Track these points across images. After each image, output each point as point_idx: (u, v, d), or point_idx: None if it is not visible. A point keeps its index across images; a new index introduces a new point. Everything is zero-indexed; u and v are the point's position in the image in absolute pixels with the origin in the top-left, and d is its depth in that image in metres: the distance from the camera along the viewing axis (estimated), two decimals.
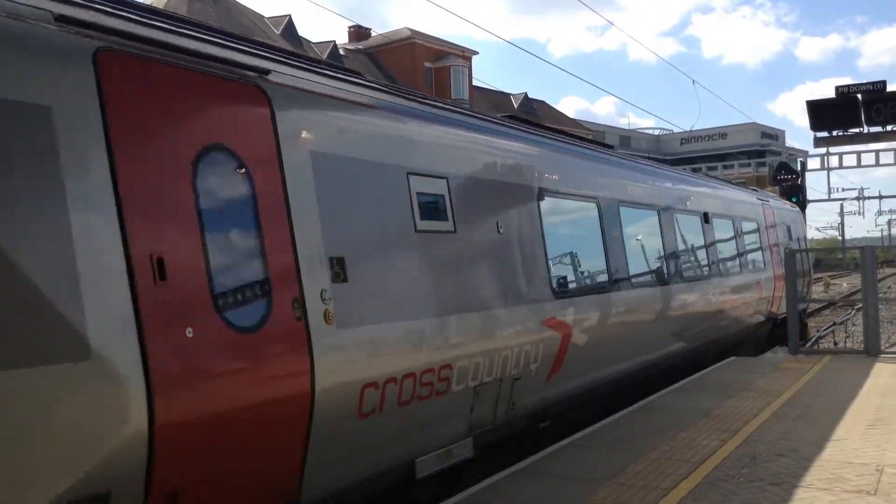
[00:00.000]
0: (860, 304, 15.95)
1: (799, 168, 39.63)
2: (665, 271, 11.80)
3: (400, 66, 54.13)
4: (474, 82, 57.89)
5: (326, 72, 6.42)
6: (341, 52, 52.80)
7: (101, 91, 4.26)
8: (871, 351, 13.78)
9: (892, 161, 37.26)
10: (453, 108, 8.19)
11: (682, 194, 13.40)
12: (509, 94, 64.19)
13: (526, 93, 66.21)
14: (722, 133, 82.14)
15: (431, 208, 6.75)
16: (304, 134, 5.58)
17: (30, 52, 4.00)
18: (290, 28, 47.75)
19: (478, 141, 7.88)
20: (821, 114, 32.88)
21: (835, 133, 33.17)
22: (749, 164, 49.08)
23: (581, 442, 8.25)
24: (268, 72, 5.48)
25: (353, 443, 5.68)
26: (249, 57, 5.53)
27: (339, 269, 5.62)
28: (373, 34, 56.29)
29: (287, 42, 42.87)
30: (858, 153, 36.97)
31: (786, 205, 22.32)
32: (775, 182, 39.66)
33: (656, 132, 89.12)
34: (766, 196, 20.57)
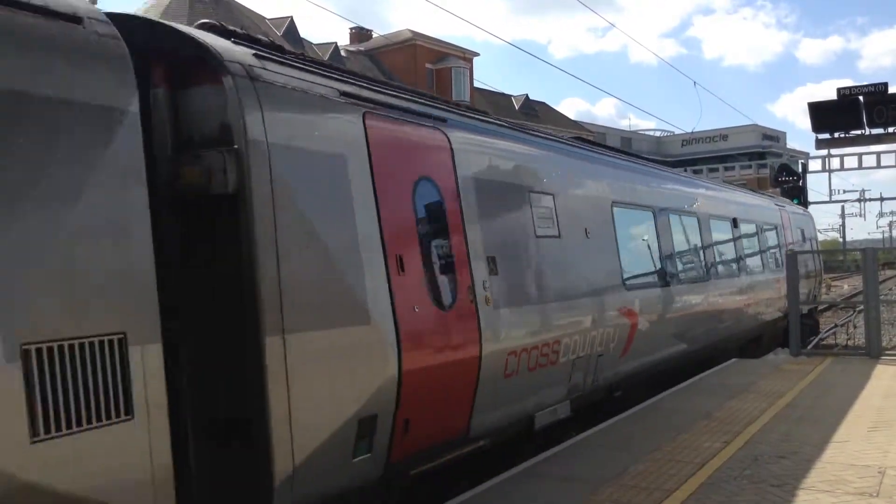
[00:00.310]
0: (861, 306, 15.94)
1: (800, 170, 39.65)
2: (704, 269, 13.57)
3: (401, 68, 54.16)
4: (475, 84, 57.89)
5: (479, 116, 8.57)
6: (342, 53, 52.83)
7: (367, 140, 6.07)
8: (873, 352, 13.77)
9: (893, 163, 37.26)
10: (551, 137, 10.64)
11: (716, 202, 15.16)
12: (510, 96, 64.20)
13: (527, 94, 66.22)
14: (723, 135, 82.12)
15: (544, 218, 8.50)
16: (470, 165, 7.35)
17: (333, 117, 5.92)
18: (291, 29, 47.77)
19: (571, 164, 9.89)
20: (822, 116, 32.87)
21: (836, 135, 33.16)
22: (750, 166, 49.05)
23: (583, 443, 8.26)
24: (445, 120, 7.34)
25: (499, 397, 7.35)
26: (435, 109, 7.41)
27: (492, 265, 7.37)
28: (374, 35, 56.34)
29: (288, 43, 42.93)
30: (859, 155, 36.98)
31: (799, 209, 24.28)
32: (776, 184, 39.69)
33: (657, 134, 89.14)
34: (783, 202, 22.75)
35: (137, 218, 4.34)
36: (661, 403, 10.31)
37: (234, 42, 5.55)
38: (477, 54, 59.67)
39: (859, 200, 57.71)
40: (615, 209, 10.32)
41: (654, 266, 11.47)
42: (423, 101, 7.41)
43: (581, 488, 6.62)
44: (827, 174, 38.85)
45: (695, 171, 36.04)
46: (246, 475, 4.96)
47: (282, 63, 5.73)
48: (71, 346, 3.88)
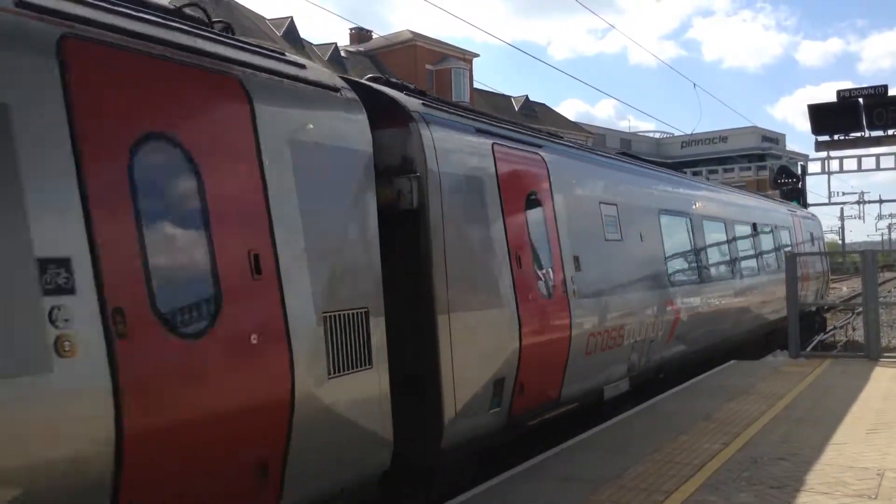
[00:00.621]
0: (860, 308, 15.94)
1: (799, 172, 39.68)
2: (731, 269, 15.48)
3: (401, 68, 54.15)
4: (475, 84, 57.90)
5: (562, 142, 10.55)
6: (342, 54, 52.84)
7: (495, 165, 7.83)
8: (872, 354, 13.78)
9: (892, 165, 37.31)
10: (614, 155, 13.05)
11: (738, 209, 17.08)
12: (510, 97, 64.20)
13: (527, 95, 66.20)
14: (722, 136, 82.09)
15: (611, 224, 10.29)
16: (560, 181, 9.05)
17: (474, 148, 7.67)
18: (291, 30, 47.78)
19: (629, 178, 11.78)
20: (822, 118, 32.89)
21: (836, 137, 33.17)
22: (749, 168, 49.01)
23: (582, 444, 8.26)
24: (541, 146, 9.13)
25: (581, 371, 9.02)
26: (535, 137, 9.28)
27: (577, 264, 9.08)
28: (374, 36, 56.34)
29: (288, 44, 42.92)
30: (859, 157, 37.04)
31: (808, 214, 26.86)
32: (776, 186, 39.73)
33: (657, 135, 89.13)
34: (795, 208, 25.28)
35: (373, 230, 6.03)
36: (661, 405, 10.32)
37: (406, 94, 7.42)
38: (477, 55, 59.68)
39: (858, 203, 57.82)
40: (661, 216, 12.17)
41: (691, 265, 13.36)
42: (527, 131, 9.47)
43: (580, 489, 6.62)
44: (826, 176, 38.94)
45: (694, 173, 36.07)
46: (426, 415, 6.65)
47: (439, 108, 7.58)
48: (342, 316, 5.55)
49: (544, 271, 8.44)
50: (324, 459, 5.36)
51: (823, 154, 36.50)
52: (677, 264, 12.54)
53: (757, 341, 17.58)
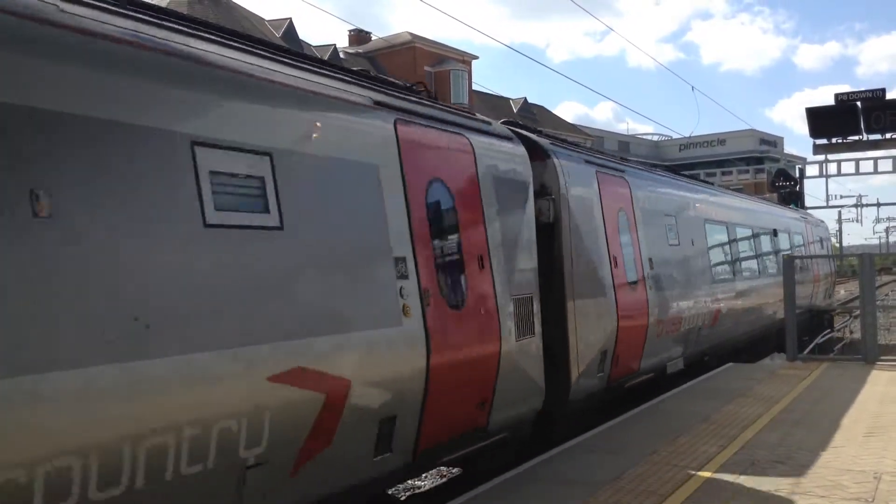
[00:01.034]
0: (858, 312, 15.96)
1: (797, 175, 39.70)
2: (757, 269, 18.01)
3: (400, 70, 54.16)
4: (474, 87, 57.92)
5: (635, 166, 13.34)
6: (342, 55, 52.85)
7: (599, 188, 10.38)
8: (869, 358, 13.80)
9: (890, 168, 37.32)
10: (670, 174, 15.50)
11: (762, 216, 19.99)
12: (509, 99, 64.23)
13: (525, 98, 66.21)
14: (720, 139, 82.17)
15: (671, 232, 12.85)
16: (638, 198, 11.58)
17: (587, 175, 10.18)
18: (290, 31, 47.78)
19: (682, 193, 14.30)
20: (820, 121, 32.94)
21: (834, 140, 33.22)
22: (748, 171, 48.98)
23: (580, 446, 8.28)
24: (624, 170, 11.71)
25: (653, 349, 11.49)
26: (620, 163, 12.16)
27: (651, 264, 11.53)
28: (373, 38, 56.35)
29: (287, 45, 42.93)
30: (857, 160, 37.04)
31: (817, 220, 29.29)
32: (773, 189, 39.71)
33: (655, 138, 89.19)
34: (806, 214, 28.55)
35: (533, 238, 8.41)
36: (659, 407, 10.34)
37: (539, 136, 9.98)
38: (476, 57, 59.67)
39: (856, 206, 57.76)
40: (706, 225, 14.78)
41: (728, 265, 15.80)
42: (614, 160, 12.40)
43: (578, 491, 6.63)
44: (824, 179, 38.89)
45: (692, 176, 36.13)
46: (559, 375, 8.85)
47: (560, 146, 10.10)
48: (521, 298, 7.92)
49: (630, 269, 10.82)
50: (511, 397, 7.68)
51: (821, 157, 36.49)
52: (718, 265, 15.06)
53: (780, 332, 19.09)
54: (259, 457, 4.83)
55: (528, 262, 8.21)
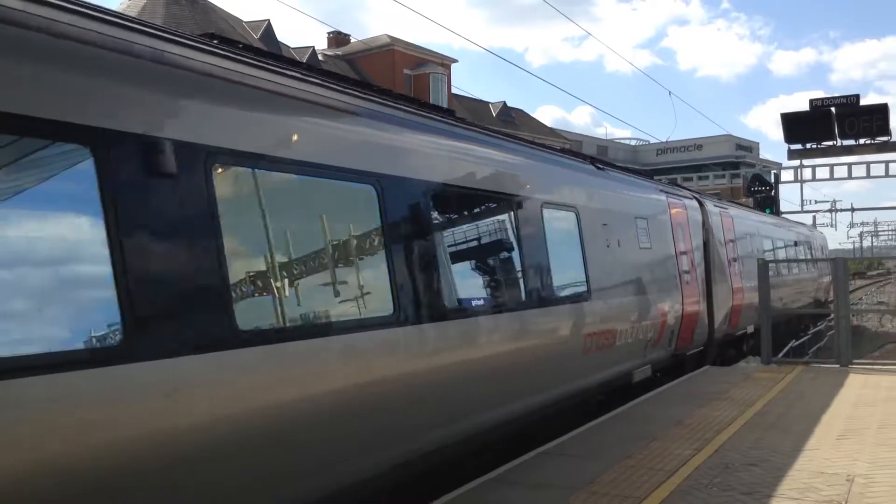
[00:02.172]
0: (832, 316, 16.09)
1: (773, 180, 40.03)
2: (788, 270, 25.08)
3: (379, 73, 54.05)
4: (453, 90, 57.93)
5: (709, 196, 20.94)
6: (320, 57, 52.66)
7: (703, 216, 16.53)
8: (843, 362, 13.89)
9: (864, 174, 37.75)
10: (732, 201, 25.58)
11: (784, 231, 28.10)
12: (488, 103, 64.30)
13: (504, 101, 66.27)
14: (697, 144, 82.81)
15: (750, 247, 20.24)
16: (711, 223, 16.57)
17: (697, 211, 16.53)
18: (269, 33, 47.53)
19: (748, 220, 21.44)
20: (795, 126, 33.22)
21: (808, 146, 33.52)
22: (724, 176, 49.38)
23: (554, 450, 8.23)
24: (703, 202, 16.83)
25: (738, 320, 17.93)
26: (695, 192, 17.93)
27: (742, 264, 18.63)
28: (352, 40, 56.21)
29: (265, 47, 42.65)
30: (831, 166, 37.39)
31: (819, 233, 38.65)
32: (749, 193, 40.03)
33: (633, 142, 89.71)
34: (812, 229, 37.47)
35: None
36: (633, 411, 10.32)
37: (693, 193, 17.24)
38: (455, 61, 59.71)
39: (831, 211, 58.26)
40: (769, 240, 23.62)
41: (749, 269, 19.69)
42: (691, 190, 17.97)
43: (552, 496, 6.59)
44: (799, 185, 39.26)
45: (669, 180, 36.48)
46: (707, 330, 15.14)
47: (707, 197, 17.72)
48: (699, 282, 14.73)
49: (694, 271, 14.86)
50: (692, 335, 14.09)
51: (796, 162, 36.82)
52: (742, 268, 19.19)
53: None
54: (651, 339, 12.07)
55: (701, 266, 15.18)
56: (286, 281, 5.50)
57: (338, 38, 57.94)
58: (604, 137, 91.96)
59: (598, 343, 10.06)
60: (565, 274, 9.50)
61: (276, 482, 5.17)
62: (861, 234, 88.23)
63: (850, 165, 37.69)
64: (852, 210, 62.01)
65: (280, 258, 5.49)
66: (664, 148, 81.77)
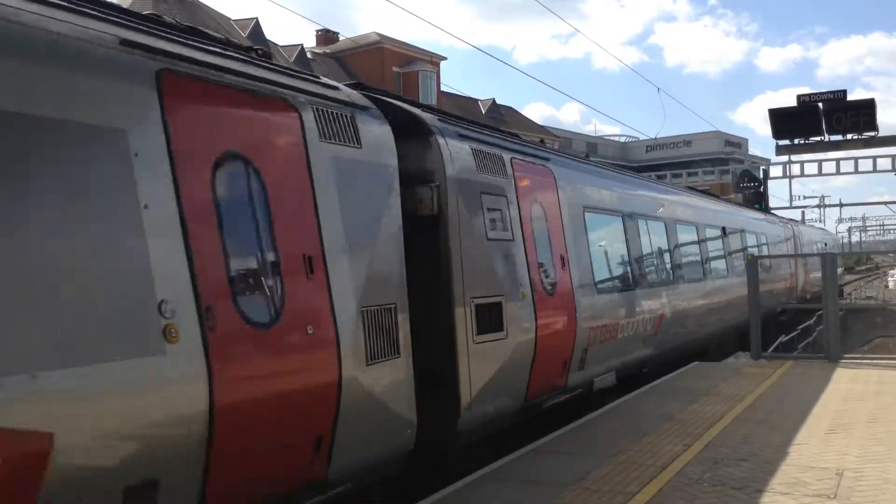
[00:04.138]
0: (821, 311, 16.16)
1: (761, 176, 40.19)
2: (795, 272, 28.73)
3: (368, 71, 53.98)
4: (442, 88, 57.89)
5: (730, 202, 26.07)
6: (309, 55, 52.53)
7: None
8: (832, 357, 13.96)
9: (852, 169, 37.98)
10: (769, 211, 33.39)
11: (810, 235, 35.96)
12: (477, 100, 64.30)
13: (494, 99, 66.30)
14: (686, 141, 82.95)
15: (773, 249, 25.71)
16: (802, 236, 28.38)
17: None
18: (257, 31, 47.38)
19: (769, 227, 26.20)
20: (783, 122, 33.33)
21: (796, 141, 33.66)
22: (713, 172, 49.44)
23: (545, 447, 8.24)
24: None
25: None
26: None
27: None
28: (340, 38, 56.10)
29: (254, 45, 42.51)
30: (819, 162, 37.61)
31: (832, 233, 46.96)
32: (738, 189, 40.17)
33: (622, 139, 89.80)
34: (824, 230, 49.51)
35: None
36: (623, 407, 10.35)
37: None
38: (444, 58, 59.65)
39: (819, 206, 58.63)
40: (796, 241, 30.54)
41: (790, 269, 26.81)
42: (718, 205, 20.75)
43: (543, 492, 6.60)
44: (788, 180, 39.45)
45: (659, 177, 36.52)
46: None
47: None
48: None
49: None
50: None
51: (785, 158, 37.00)
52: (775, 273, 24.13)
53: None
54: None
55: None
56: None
57: (326, 37, 57.81)
58: (593, 134, 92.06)
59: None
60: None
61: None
62: (850, 230, 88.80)
63: (838, 161, 37.94)
64: (840, 205, 62.54)
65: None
66: (653, 144, 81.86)
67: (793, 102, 33.81)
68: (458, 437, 7.58)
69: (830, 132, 32.75)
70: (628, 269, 12.40)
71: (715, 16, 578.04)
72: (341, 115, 6.37)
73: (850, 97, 32.73)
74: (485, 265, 8.03)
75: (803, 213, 58.06)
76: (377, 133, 6.80)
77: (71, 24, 4.44)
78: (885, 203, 62.96)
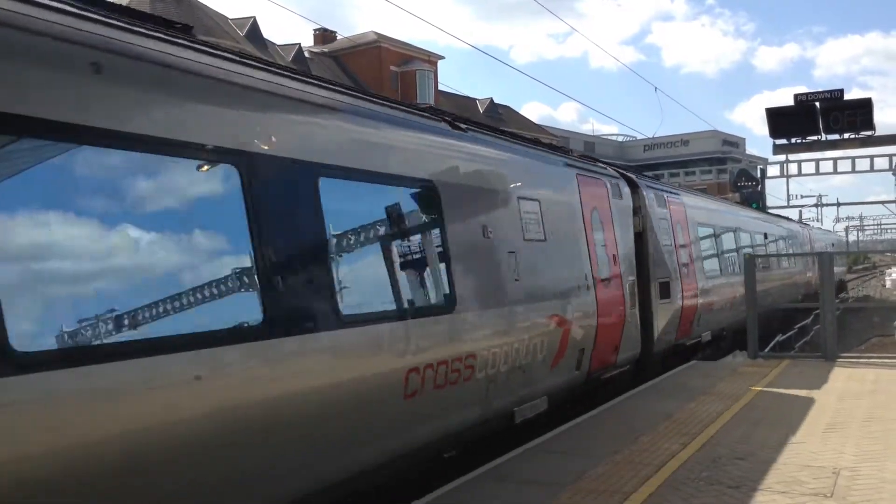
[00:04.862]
0: (818, 310, 16.18)
1: (759, 175, 40.25)
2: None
3: (366, 70, 53.98)
4: (440, 87, 57.88)
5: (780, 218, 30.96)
6: (307, 54, 52.50)
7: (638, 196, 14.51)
8: (829, 356, 13.98)
9: (849, 169, 38.04)
10: (789, 219, 38.70)
11: (820, 236, 42.34)
12: (475, 100, 64.28)
13: (492, 98, 66.29)
14: (684, 140, 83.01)
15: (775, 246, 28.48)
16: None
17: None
18: (254, 30, 47.34)
19: (792, 231, 33.23)
20: (780, 121, 33.37)
21: (793, 140, 33.70)
22: (710, 171, 49.51)
23: (543, 446, 8.24)
24: (637, 184, 14.18)
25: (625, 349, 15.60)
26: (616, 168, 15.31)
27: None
28: (338, 37, 56.08)
29: (252, 44, 42.51)
30: (817, 161, 37.70)
31: (837, 235, 56.10)
32: (736, 189, 40.23)
33: (620, 139, 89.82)
34: (831, 232, 57.02)
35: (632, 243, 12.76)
36: (621, 406, 10.36)
37: (637, 177, 14.54)
38: (442, 57, 59.63)
39: (816, 205, 58.70)
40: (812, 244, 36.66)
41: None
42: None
43: (540, 491, 6.60)
44: (785, 180, 39.52)
45: (656, 176, 36.65)
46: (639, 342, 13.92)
47: (630, 179, 13.77)
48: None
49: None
50: (614, 351, 11.79)
51: (782, 157, 37.08)
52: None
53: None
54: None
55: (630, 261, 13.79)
56: None
57: (324, 36, 57.76)
58: (590, 134, 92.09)
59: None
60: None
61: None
62: (847, 229, 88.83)
63: (835, 160, 38.04)
64: (838, 204, 62.53)
65: None
66: (651, 144, 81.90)
67: (790, 102, 33.87)
68: (654, 355, 13.14)
69: (827, 131, 32.79)
70: (720, 263, 18.81)
71: (712, 15, 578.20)
72: (614, 184, 12.40)
73: (846, 96, 32.79)
74: (661, 260, 13.86)
75: (800, 212, 58.19)
76: (625, 191, 12.78)
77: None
78: (883, 202, 62.93)
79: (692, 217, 16.48)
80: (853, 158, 37.76)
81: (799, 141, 33.63)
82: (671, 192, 16.02)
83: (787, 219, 37.17)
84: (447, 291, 7.38)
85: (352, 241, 6.47)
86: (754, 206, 35.04)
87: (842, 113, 32.00)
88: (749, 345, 14.76)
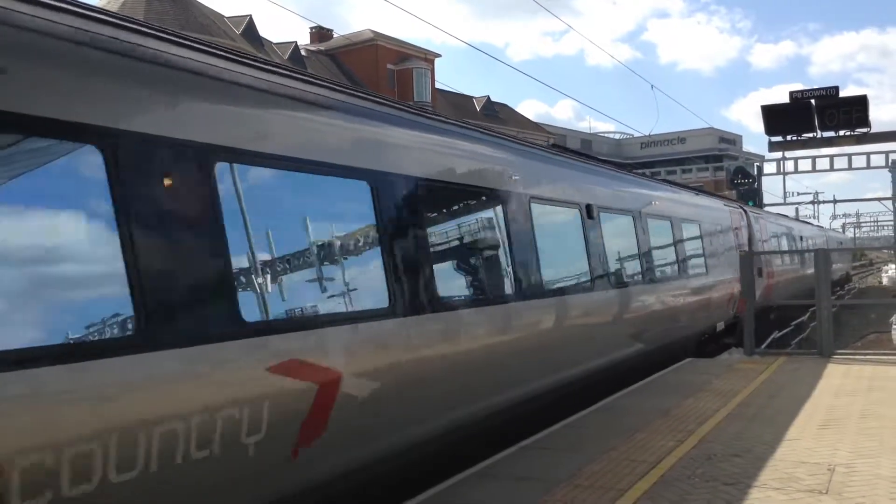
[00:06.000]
0: (814, 307, 16.19)
1: (755, 172, 40.29)
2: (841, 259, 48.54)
3: (362, 68, 53.94)
4: (437, 85, 57.86)
5: (756, 212, 30.99)
6: (303, 52, 52.44)
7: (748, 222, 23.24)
8: (825, 352, 13.98)
9: (845, 166, 38.10)
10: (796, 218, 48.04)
11: (832, 235, 52.83)
12: (472, 97, 64.29)
13: (488, 96, 66.35)
14: (681, 137, 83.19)
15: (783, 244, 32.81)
16: (752, 223, 24.26)
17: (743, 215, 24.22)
18: (250, 28, 47.28)
19: (815, 233, 42.19)
20: (775, 118, 33.42)
21: (789, 137, 33.74)
22: (707, 169, 49.57)
23: (537, 443, 8.23)
24: (745, 208, 24.18)
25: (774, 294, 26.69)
26: (733, 202, 24.64)
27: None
28: (335, 35, 56.04)
29: (248, 42, 42.45)
30: (813, 158, 37.78)
31: (845, 234, 71.67)
32: (732, 186, 40.27)
33: (617, 136, 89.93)
34: (840, 233, 71.81)
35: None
36: (617, 403, 10.34)
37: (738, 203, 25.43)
38: (438, 55, 59.64)
39: (813, 203, 58.85)
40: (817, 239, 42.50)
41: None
42: (732, 200, 26.69)
43: (535, 488, 6.58)
44: (781, 177, 39.58)
45: (653, 174, 36.65)
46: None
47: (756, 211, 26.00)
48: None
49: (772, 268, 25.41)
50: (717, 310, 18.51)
51: (779, 155, 37.18)
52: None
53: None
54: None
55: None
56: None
57: (320, 34, 57.73)
58: (587, 131, 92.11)
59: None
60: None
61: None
62: (843, 226, 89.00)
63: (832, 157, 38.11)
64: (834, 202, 62.78)
65: None
66: (648, 141, 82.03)
67: (786, 99, 33.90)
68: (737, 319, 17.56)
69: (823, 129, 32.85)
70: (785, 257, 27.46)
71: (708, 12, 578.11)
72: (739, 212, 20.94)
73: (842, 94, 32.84)
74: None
75: (797, 209, 58.19)
76: (740, 211, 21.22)
77: None
78: (879, 199, 63.02)
79: (769, 229, 26.27)
80: (850, 155, 37.85)
81: (795, 138, 33.67)
82: (755, 213, 24.90)
83: (811, 224, 47.53)
84: (703, 270, 16.68)
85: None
86: (751, 203, 35.12)
87: (837, 110, 32.06)
88: (745, 341, 14.76)
